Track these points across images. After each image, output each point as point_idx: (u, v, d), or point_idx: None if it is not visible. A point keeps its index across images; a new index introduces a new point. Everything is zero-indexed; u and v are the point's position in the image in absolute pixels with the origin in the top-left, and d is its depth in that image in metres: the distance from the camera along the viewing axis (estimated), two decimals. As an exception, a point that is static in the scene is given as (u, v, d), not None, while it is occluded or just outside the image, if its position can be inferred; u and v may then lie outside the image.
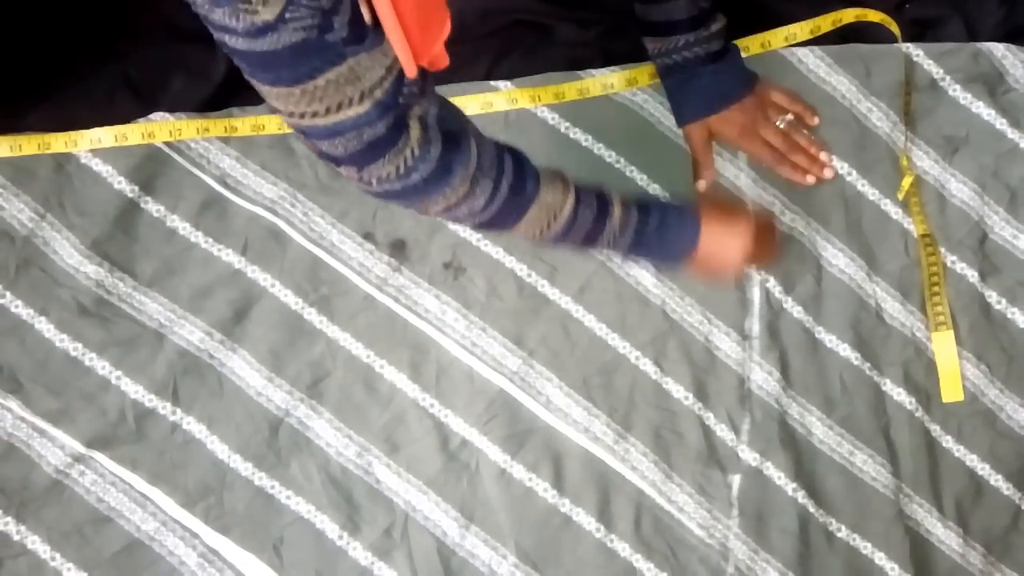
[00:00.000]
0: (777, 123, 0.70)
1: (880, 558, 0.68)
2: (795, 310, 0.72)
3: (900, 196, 0.71)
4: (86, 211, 0.69)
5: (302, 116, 0.44)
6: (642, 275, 0.72)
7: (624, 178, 0.72)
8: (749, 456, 0.69)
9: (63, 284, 0.67)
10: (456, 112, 0.52)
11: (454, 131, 0.50)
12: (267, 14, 0.39)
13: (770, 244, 0.65)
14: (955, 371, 0.71)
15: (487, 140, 0.53)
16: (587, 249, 0.59)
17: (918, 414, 0.71)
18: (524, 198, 0.54)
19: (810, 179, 0.70)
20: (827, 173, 0.71)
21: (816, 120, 0.72)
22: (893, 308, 0.72)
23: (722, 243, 0.62)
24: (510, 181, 0.53)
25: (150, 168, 0.70)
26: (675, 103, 0.70)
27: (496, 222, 0.54)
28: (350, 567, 0.65)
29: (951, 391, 0.71)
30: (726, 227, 0.62)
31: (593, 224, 0.57)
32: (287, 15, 0.40)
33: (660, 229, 0.60)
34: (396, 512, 0.66)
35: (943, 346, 0.71)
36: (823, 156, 0.71)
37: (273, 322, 0.69)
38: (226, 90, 0.72)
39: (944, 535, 0.69)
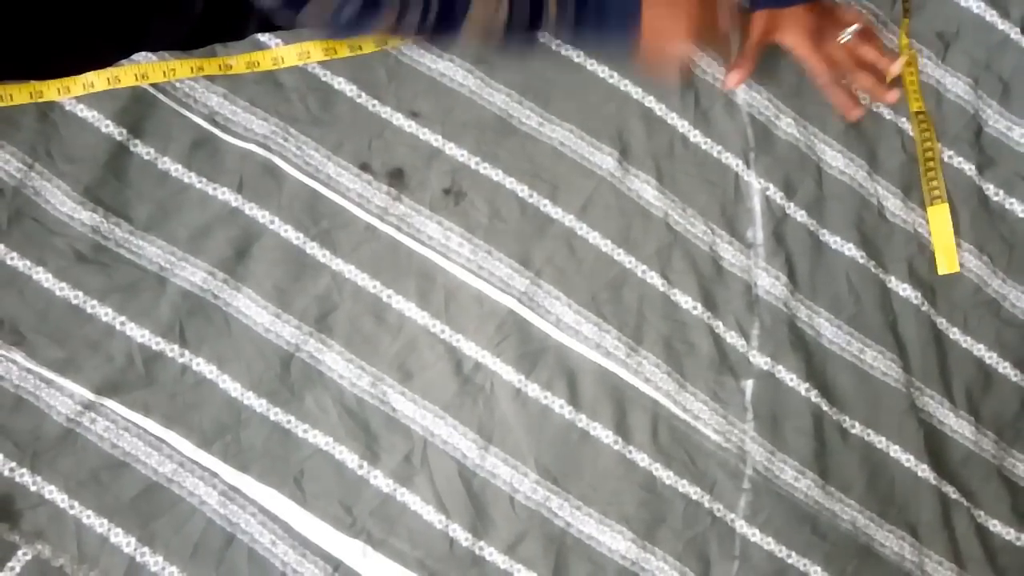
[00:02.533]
0: (841, 38, 0.69)
1: (895, 450, 0.69)
2: (798, 215, 0.72)
3: (888, 80, 0.71)
4: (75, 158, 0.68)
5: None
6: (644, 188, 0.72)
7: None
8: (760, 361, 0.70)
9: (58, 233, 0.66)
10: None
11: None
12: None
13: (714, 16, 0.65)
14: (950, 244, 0.72)
15: None
16: (535, 37, 0.63)
17: (924, 308, 0.71)
18: (456, 8, 0.57)
19: (856, 113, 0.69)
20: (890, 97, 0.70)
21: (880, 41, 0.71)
22: (895, 206, 0.73)
23: (665, 14, 0.62)
24: None
25: (137, 111, 0.69)
26: None
27: (443, 28, 0.58)
28: (373, 495, 0.65)
29: (947, 263, 0.72)
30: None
31: (532, 8, 0.60)
32: None
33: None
34: (414, 438, 0.66)
35: (938, 219, 0.73)
36: (895, 67, 0.69)
37: (275, 258, 0.68)
38: (207, 27, 0.71)
39: (956, 424, 0.70)
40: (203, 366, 0.66)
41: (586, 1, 0.60)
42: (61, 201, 0.67)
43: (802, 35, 0.68)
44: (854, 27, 0.69)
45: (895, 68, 0.70)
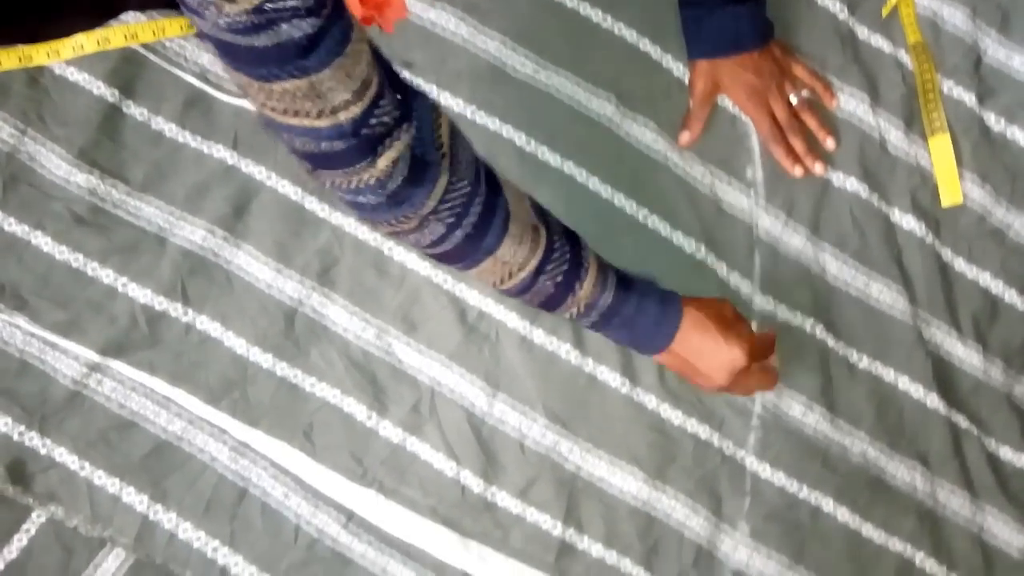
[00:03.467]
0: (791, 97, 0.68)
1: (904, 382, 0.69)
2: (798, 151, 0.72)
3: (885, 12, 0.70)
4: (68, 121, 0.68)
5: (262, 105, 0.41)
6: (642, 132, 0.72)
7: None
8: (764, 301, 0.70)
9: (55, 196, 0.66)
10: (443, 137, 0.46)
11: (426, 162, 0.45)
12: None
13: (767, 372, 0.60)
14: (953, 175, 0.72)
15: (464, 174, 0.47)
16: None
17: (929, 240, 0.71)
18: (480, 249, 0.49)
19: (798, 171, 0.69)
20: (817, 169, 0.70)
21: (835, 104, 0.71)
22: (897, 138, 0.72)
23: (702, 353, 0.55)
24: (468, 230, 0.48)
25: (128, 71, 0.69)
26: (688, 36, 0.70)
27: (445, 260, 0.50)
28: (382, 445, 0.65)
29: (950, 194, 0.72)
30: (711, 337, 0.55)
31: (553, 293, 0.52)
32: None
33: (633, 318, 0.54)
34: (421, 388, 0.67)
35: (940, 150, 0.72)
36: (829, 143, 0.70)
37: (275, 214, 0.68)
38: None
39: (965, 354, 0.70)
40: (207, 324, 0.66)
41: (613, 317, 0.53)
42: (56, 165, 0.67)
43: (744, 91, 0.69)
44: (803, 93, 0.70)
45: (829, 144, 0.71)
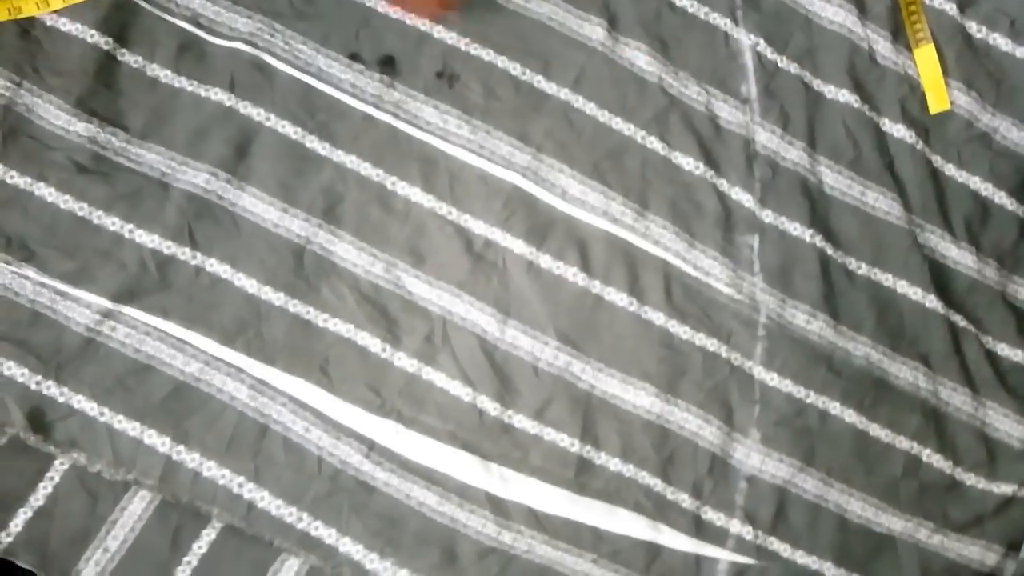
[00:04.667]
0: None
1: (902, 286, 0.71)
2: (791, 67, 0.74)
3: None
4: (63, 71, 0.68)
5: None
6: (635, 56, 0.73)
7: None
8: (764, 214, 0.71)
9: (55, 147, 0.66)
10: None
11: None
12: None
13: None
14: (939, 83, 0.74)
15: None
16: None
17: (919, 147, 0.73)
18: None
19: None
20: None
21: None
22: (885, 49, 0.74)
23: None
24: None
25: (120, 18, 0.69)
26: None
27: None
28: (399, 376, 0.67)
29: (937, 101, 0.74)
30: None
31: None
32: None
33: None
34: (433, 318, 0.68)
35: (925, 61, 0.74)
36: None
37: (276, 155, 0.69)
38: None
39: (959, 255, 0.73)
40: (216, 266, 0.67)
41: None
42: (55, 115, 0.67)
43: None
44: None
45: None
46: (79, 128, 0.67)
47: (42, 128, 0.67)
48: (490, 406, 0.67)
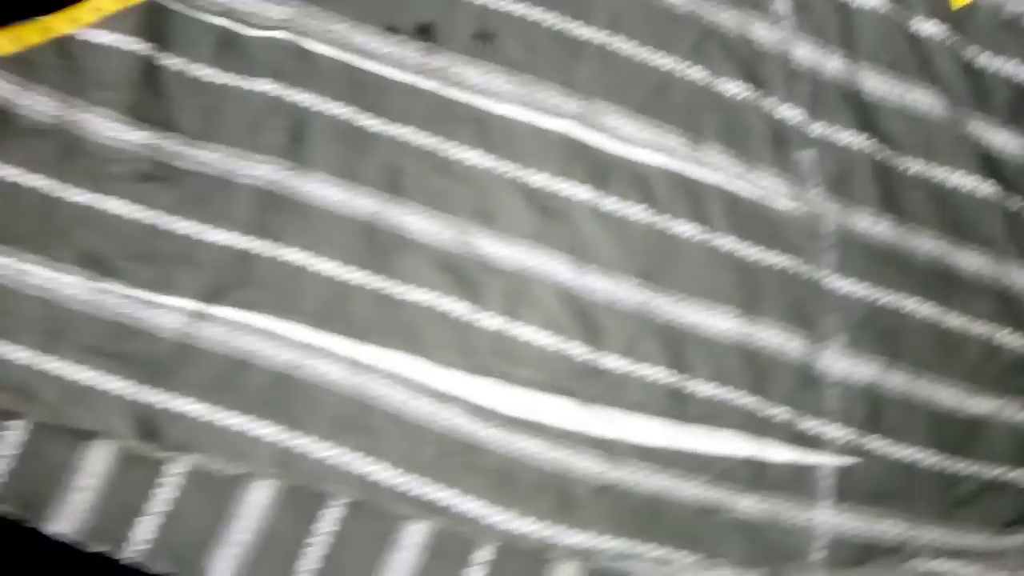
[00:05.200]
0: None
1: (956, 177, 0.73)
2: (814, -21, 0.74)
3: None
4: (108, 83, 0.68)
5: None
6: (663, -9, 0.73)
7: None
8: (814, 127, 0.73)
9: (114, 159, 0.66)
10: None
11: None
12: None
13: None
14: None
15: None
16: None
17: (950, 42, 0.74)
18: None
19: None
20: None
21: None
22: (905, -52, 0.75)
23: None
24: None
25: (154, 23, 0.69)
26: None
27: None
28: (486, 335, 0.68)
29: None
30: None
31: None
32: None
33: None
34: (510, 275, 0.69)
35: None
36: None
37: (332, 137, 0.69)
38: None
39: (1004, 141, 0.74)
40: (294, 254, 0.68)
41: None
42: (108, 128, 0.67)
43: None
44: None
45: None
46: (134, 137, 0.67)
47: (97, 143, 0.67)
48: (579, 351, 0.69)
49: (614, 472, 0.68)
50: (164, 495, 0.64)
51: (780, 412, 0.70)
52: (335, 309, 0.68)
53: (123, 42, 0.68)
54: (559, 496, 0.67)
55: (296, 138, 0.69)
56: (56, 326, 0.64)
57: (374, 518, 0.66)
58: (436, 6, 0.72)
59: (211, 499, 0.64)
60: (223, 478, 0.65)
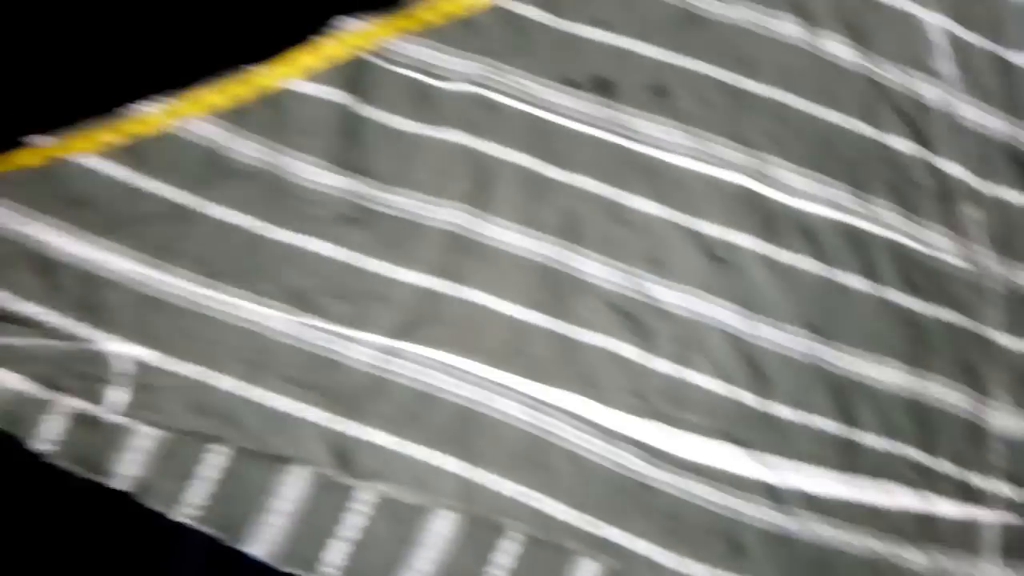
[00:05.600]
0: None
1: None
2: (980, 41, 0.77)
3: None
4: (310, 131, 0.73)
5: None
6: (833, 46, 0.76)
7: None
8: (981, 184, 0.74)
9: (315, 201, 0.71)
10: None
11: None
12: None
13: None
14: None
15: None
16: None
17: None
18: None
19: None
20: None
21: None
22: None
23: None
24: None
25: (355, 75, 0.74)
26: None
27: None
28: (659, 379, 0.71)
29: None
30: None
31: None
32: None
33: None
34: (682, 322, 0.72)
35: None
36: None
37: (515, 184, 0.73)
38: None
39: None
40: (475, 295, 0.71)
41: None
42: (312, 173, 0.72)
43: None
44: None
45: None
46: (334, 182, 0.72)
47: (300, 186, 0.72)
48: (749, 398, 0.71)
49: (784, 521, 0.69)
50: (354, 521, 0.68)
51: (949, 467, 0.71)
52: (515, 348, 0.71)
53: (327, 93, 0.73)
54: (728, 542, 0.69)
55: (481, 184, 0.73)
56: (260, 357, 0.70)
57: (549, 553, 0.68)
58: (613, 61, 0.76)
59: (397, 526, 0.68)
60: (409, 507, 0.68)
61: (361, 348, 0.70)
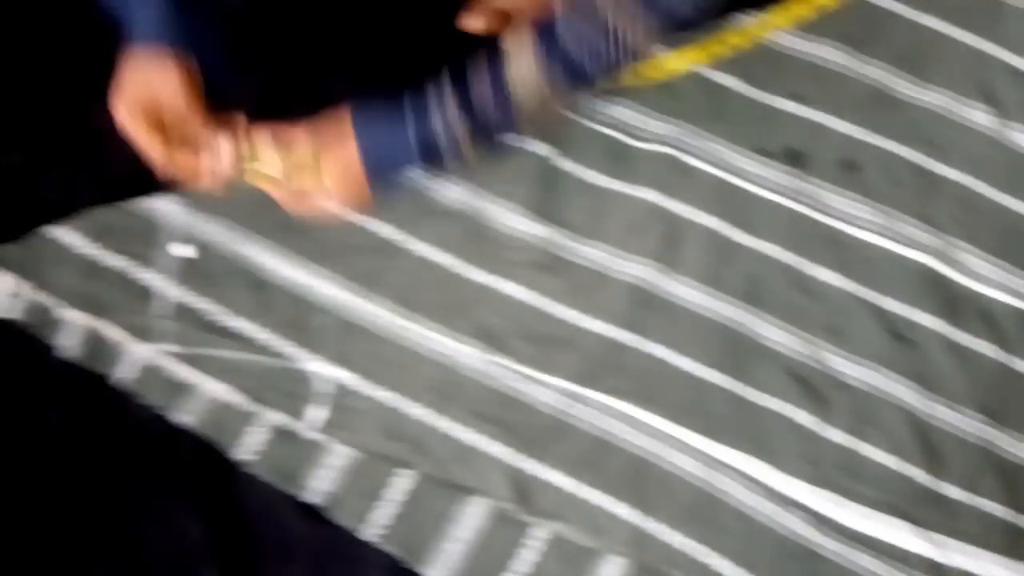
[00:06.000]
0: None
1: None
2: None
3: None
4: (511, 179, 0.77)
5: None
6: (1021, 138, 0.77)
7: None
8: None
9: (512, 246, 0.76)
10: None
11: None
12: None
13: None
14: None
15: None
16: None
17: None
18: None
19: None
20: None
21: None
22: None
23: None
24: None
25: (559, 130, 0.78)
26: None
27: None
28: (832, 449, 0.72)
29: None
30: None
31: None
32: None
33: None
34: (858, 394, 0.74)
35: None
36: None
37: (702, 245, 0.76)
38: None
39: None
40: (660, 350, 0.74)
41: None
42: (511, 219, 0.77)
43: None
44: None
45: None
46: (531, 229, 0.76)
47: (499, 231, 0.77)
48: (920, 476, 0.72)
49: (950, 600, 0.70)
50: (528, 556, 0.71)
51: (1121, 565, 0.71)
52: (692, 405, 0.73)
53: (532, 144, 0.78)
54: (895, 616, 0.70)
55: (669, 242, 0.76)
56: (449, 389, 0.73)
57: (713, 608, 0.71)
58: (805, 134, 0.79)
59: (568, 567, 0.70)
60: (581, 548, 0.71)
61: (546, 390, 0.74)
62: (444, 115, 0.63)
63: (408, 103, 0.64)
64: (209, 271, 0.75)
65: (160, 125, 0.65)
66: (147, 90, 0.65)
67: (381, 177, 0.66)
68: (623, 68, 0.62)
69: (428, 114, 0.64)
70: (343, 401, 0.73)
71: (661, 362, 0.75)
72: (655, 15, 0.59)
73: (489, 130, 0.63)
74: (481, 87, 0.62)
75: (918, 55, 0.80)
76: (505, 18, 0.80)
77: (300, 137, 0.66)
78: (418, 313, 0.75)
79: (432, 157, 0.64)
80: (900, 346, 0.75)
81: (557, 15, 0.62)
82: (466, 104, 0.62)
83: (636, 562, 0.70)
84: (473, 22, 0.80)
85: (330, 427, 0.72)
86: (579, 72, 0.63)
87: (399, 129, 0.64)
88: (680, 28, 0.60)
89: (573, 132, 0.78)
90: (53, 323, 0.73)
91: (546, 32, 0.63)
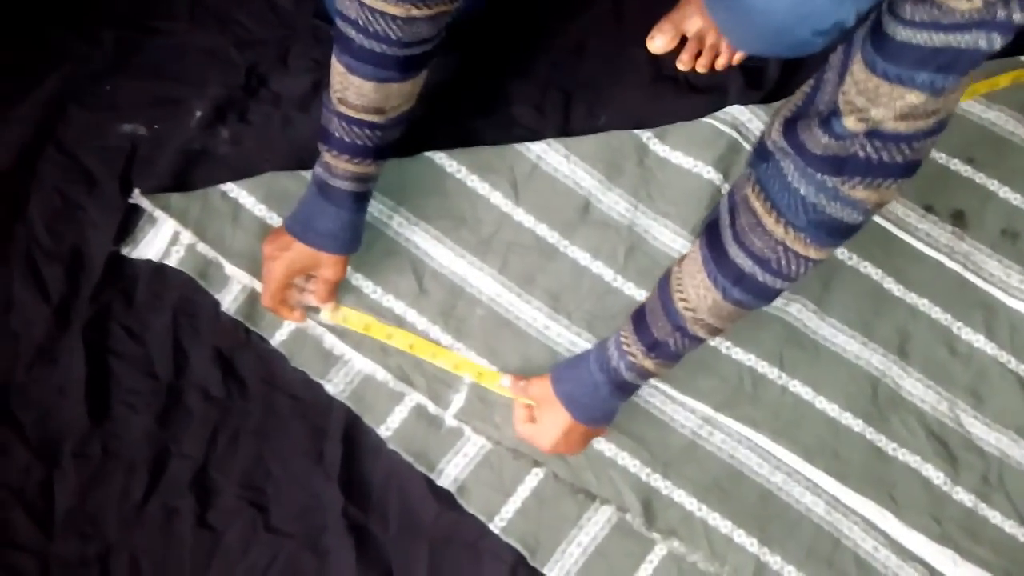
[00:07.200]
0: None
1: None
2: None
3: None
4: (676, 200, 0.79)
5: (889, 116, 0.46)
6: None
7: None
8: None
9: (667, 265, 0.76)
10: None
11: None
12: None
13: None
14: None
15: None
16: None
17: None
18: None
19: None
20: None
21: None
22: None
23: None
24: None
25: (730, 158, 0.80)
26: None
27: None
28: (957, 508, 0.74)
29: None
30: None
31: None
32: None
33: None
34: (990, 459, 0.75)
35: None
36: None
37: (857, 292, 0.78)
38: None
39: None
40: (800, 388, 0.76)
41: None
42: (669, 238, 0.78)
43: None
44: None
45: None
46: (685, 250, 0.77)
47: (656, 248, 0.79)
48: (1044, 550, 0.74)
49: (1056, 675, 0.72)
50: (646, 570, 0.73)
51: None
52: (827, 446, 0.75)
53: (700, 168, 0.79)
54: None
55: (825, 285, 0.78)
56: (591, 398, 0.76)
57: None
58: (972, 197, 0.80)
59: (685, 586, 0.73)
60: (700, 571, 0.73)
61: (685, 412, 0.76)
62: (633, 367, 0.64)
63: (595, 364, 0.66)
64: (371, 249, 0.77)
65: (289, 286, 0.74)
66: (306, 264, 0.72)
67: (595, 424, 0.70)
68: (803, 276, 0.56)
69: (617, 369, 0.65)
70: (484, 393, 0.75)
71: (800, 399, 0.76)
72: (824, 232, 0.53)
73: (678, 355, 0.64)
74: (657, 323, 0.62)
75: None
76: (686, 40, 0.83)
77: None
78: (563, 316, 0.77)
79: (632, 390, 0.68)
80: (1037, 417, 0.76)
81: (723, 228, 0.57)
82: (650, 346, 0.63)
83: (752, 592, 0.74)
84: (656, 43, 0.83)
85: (469, 416, 0.75)
86: (756, 286, 0.57)
87: (596, 394, 0.67)
88: (851, 234, 0.55)
89: (740, 159, 0.80)
90: (216, 278, 0.77)
91: (715, 247, 0.57)
